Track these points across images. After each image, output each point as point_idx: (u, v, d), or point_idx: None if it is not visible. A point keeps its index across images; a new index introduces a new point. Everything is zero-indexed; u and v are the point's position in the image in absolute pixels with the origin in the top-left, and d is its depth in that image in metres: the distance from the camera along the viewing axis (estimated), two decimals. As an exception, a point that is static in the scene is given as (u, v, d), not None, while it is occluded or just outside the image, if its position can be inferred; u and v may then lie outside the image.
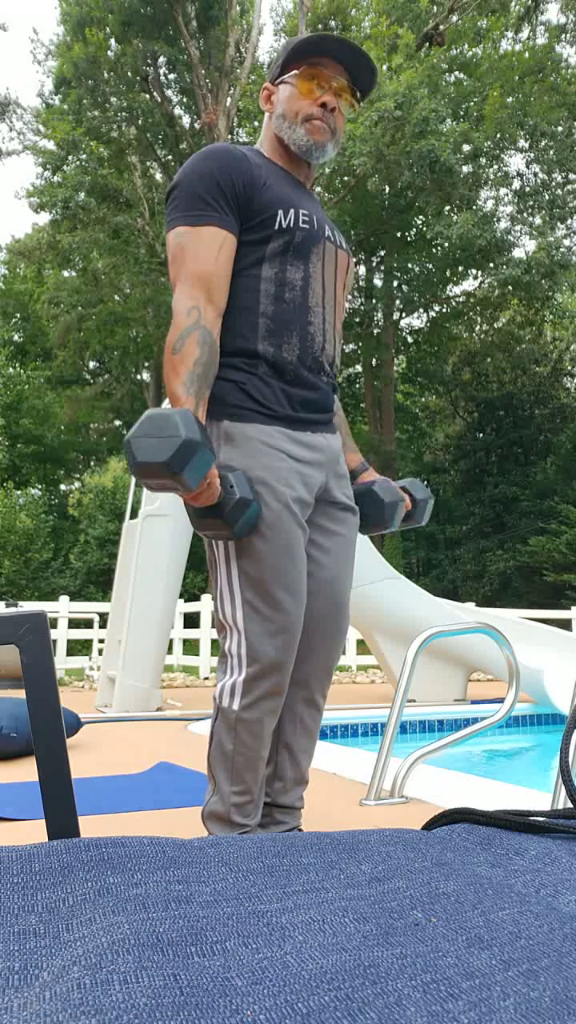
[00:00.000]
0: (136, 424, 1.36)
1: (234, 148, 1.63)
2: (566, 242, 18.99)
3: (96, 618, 9.63)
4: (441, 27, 18.32)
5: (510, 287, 19.35)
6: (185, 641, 13.32)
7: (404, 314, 23.84)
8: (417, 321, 25.19)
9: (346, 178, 19.10)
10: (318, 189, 19.56)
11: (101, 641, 10.02)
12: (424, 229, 21.50)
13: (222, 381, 1.60)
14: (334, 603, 1.71)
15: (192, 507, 1.50)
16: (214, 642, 12.14)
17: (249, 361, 1.60)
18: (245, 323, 1.60)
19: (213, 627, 9.51)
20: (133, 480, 6.17)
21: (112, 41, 19.13)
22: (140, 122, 19.92)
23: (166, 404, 2.01)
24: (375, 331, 22.70)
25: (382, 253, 22.58)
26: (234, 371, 1.60)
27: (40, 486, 26.51)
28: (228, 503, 1.46)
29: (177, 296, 1.55)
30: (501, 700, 4.22)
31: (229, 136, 19.52)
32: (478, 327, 24.76)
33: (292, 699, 1.70)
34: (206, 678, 8.85)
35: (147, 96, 19.98)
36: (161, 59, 20.19)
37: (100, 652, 10.01)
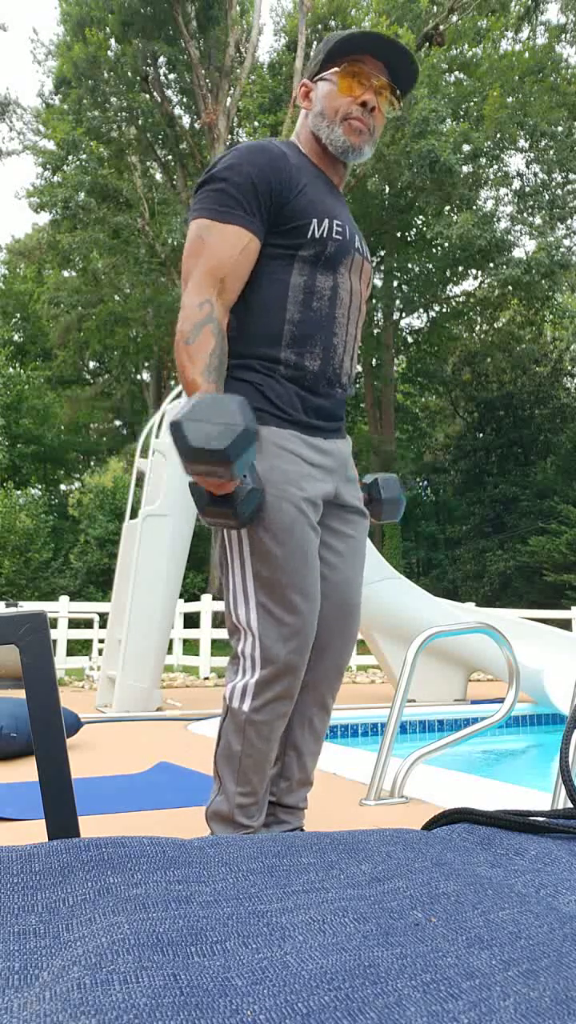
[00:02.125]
0: (187, 406, 1.28)
1: (274, 147, 1.58)
2: (566, 242, 19.00)
3: (96, 618, 9.64)
4: (441, 27, 18.31)
5: (510, 287, 19.37)
6: (185, 641, 13.30)
7: (404, 314, 23.85)
8: (417, 321, 25.22)
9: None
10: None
11: (101, 641, 10.02)
12: (424, 229, 21.51)
13: (238, 381, 1.57)
14: (346, 605, 1.70)
15: (200, 495, 1.44)
16: (214, 642, 12.11)
17: (268, 364, 1.58)
18: (270, 327, 1.57)
19: (214, 627, 9.50)
20: (133, 480, 6.16)
21: (112, 41, 19.10)
22: (140, 122, 19.90)
23: (177, 393, 1.99)
24: (375, 331, 22.70)
25: (382, 253, 22.58)
26: (251, 372, 1.58)
27: (40, 486, 26.49)
28: (240, 492, 1.42)
29: (190, 288, 1.52)
30: (501, 700, 4.22)
31: (229, 136, 19.50)
32: (478, 327, 24.78)
33: (302, 701, 1.69)
34: (206, 678, 8.85)
35: (147, 96, 19.96)
36: (161, 59, 20.17)
37: (100, 652, 10.00)
